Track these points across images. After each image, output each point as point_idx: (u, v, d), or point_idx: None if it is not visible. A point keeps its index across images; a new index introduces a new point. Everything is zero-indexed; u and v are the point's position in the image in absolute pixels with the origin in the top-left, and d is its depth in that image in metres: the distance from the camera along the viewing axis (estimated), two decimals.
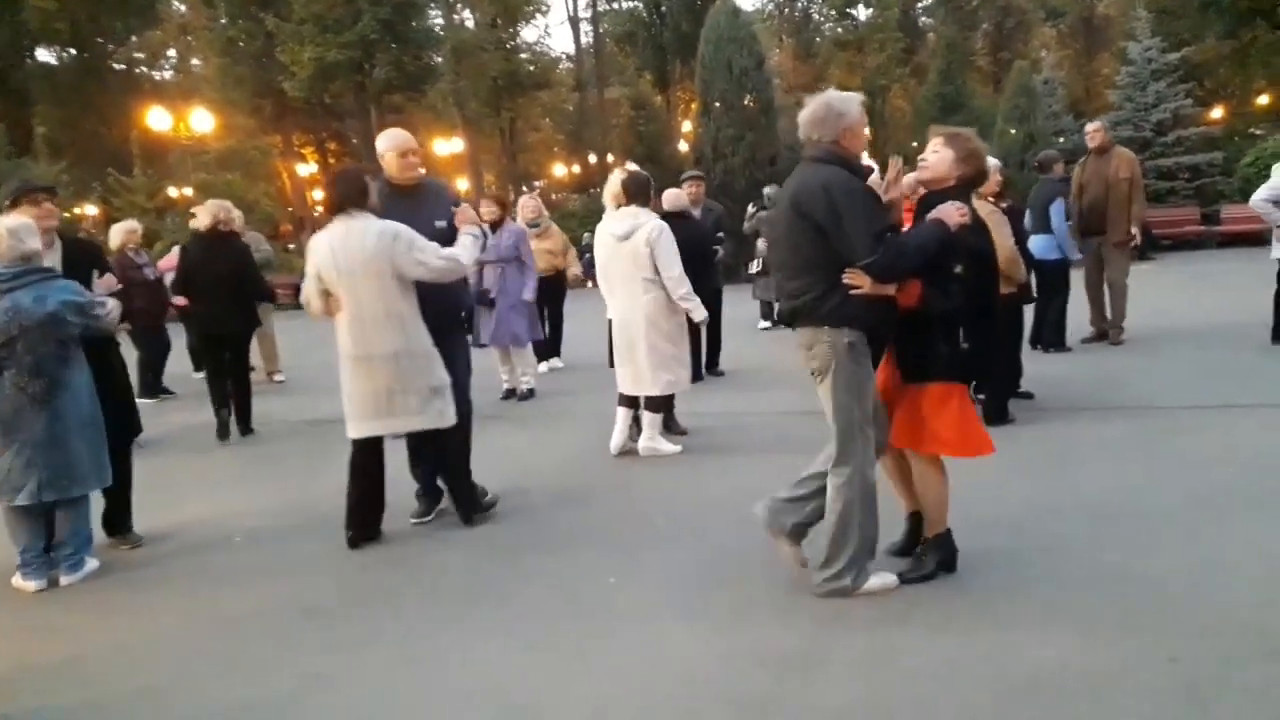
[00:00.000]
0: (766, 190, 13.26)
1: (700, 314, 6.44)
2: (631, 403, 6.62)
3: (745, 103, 21.48)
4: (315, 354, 11.41)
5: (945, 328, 3.75)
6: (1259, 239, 16.57)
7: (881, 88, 40.13)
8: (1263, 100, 29.35)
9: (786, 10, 46.33)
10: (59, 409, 4.73)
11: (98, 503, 5.30)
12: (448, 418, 5.04)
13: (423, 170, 5.26)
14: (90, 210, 32.84)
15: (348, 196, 4.82)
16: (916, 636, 3.49)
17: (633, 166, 7.34)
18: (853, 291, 3.64)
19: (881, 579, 3.89)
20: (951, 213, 3.66)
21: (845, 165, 3.73)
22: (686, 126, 29.50)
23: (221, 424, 8.23)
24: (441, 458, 5.29)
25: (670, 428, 6.94)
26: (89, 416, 4.85)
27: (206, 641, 4.03)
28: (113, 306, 5.07)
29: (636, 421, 6.69)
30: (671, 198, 8.56)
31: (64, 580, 4.87)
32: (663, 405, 6.60)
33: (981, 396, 6.63)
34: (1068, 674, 3.11)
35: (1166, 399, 6.97)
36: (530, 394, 9.07)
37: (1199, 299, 12.15)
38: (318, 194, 32.22)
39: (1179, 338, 9.37)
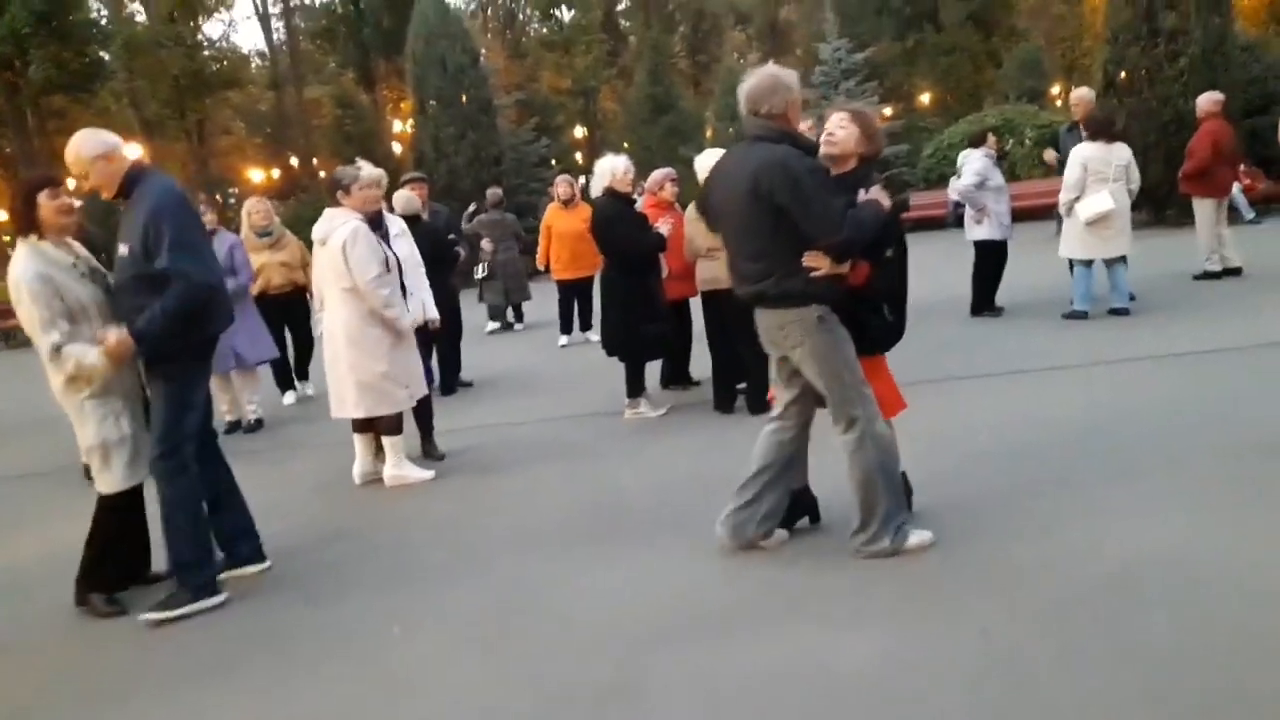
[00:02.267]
0: (492, 191, 12.79)
1: (405, 321, 5.74)
2: (364, 426, 5.93)
3: (463, 101, 20.80)
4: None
5: (875, 305, 3.86)
6: (939, 223, 18.48)
7: (591, 89, 40.74)
8: (925, 99, 32.57)
9: (490, 9, 45.98)
10: None
11: None
12: (100, 483, 4.25)
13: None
14: None
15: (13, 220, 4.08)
16: (742, 645, 3.25)
17: (361, 162, 6.69)
18: (813, 274, 3.65)
19: (919, 536, 3.89)
20: (883, 195, 3.75)
21: (795, 143, 3.69)
22: (399, 126, 28.32)
23: None
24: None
25: (428, 453, 6.35)
26: None
27: None
28: None
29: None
30: (403, 200, 7.96)
31: None
32: (396, 427, 5.85)
33: (742, 387, 6.64)
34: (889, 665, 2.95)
35: (916, 373, 7.25)
36: (259, 424, 8.07)
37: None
38: None
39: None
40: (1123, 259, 8.39)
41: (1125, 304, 8.38)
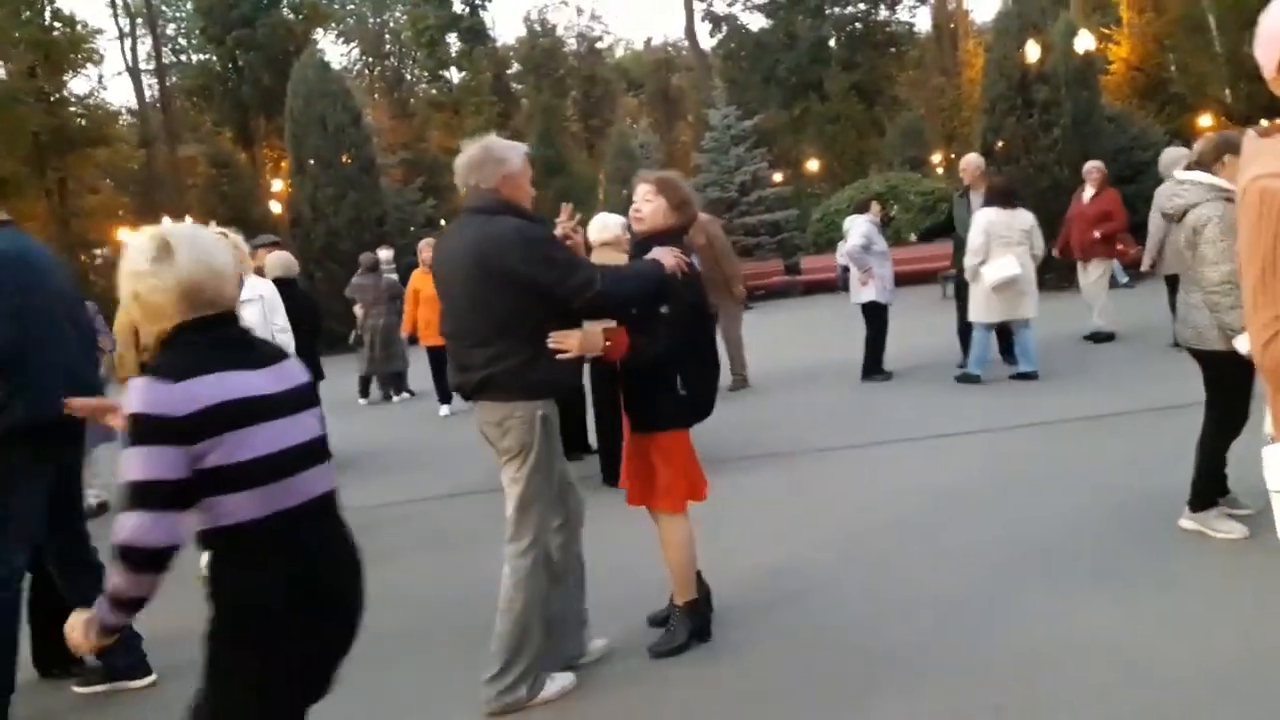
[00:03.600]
0: (366, 255, 12.15)
1: None
2: None
3: (344, 160, 20.13)
4: None
5: (664, 376, 3.51)
6: (832, 286, 18.63)
7: None
8: (813, 165, 33.33)
9: (378, 70, 45.45)
10: None
11: None
12: None
13: None
14: None
15: None
16: None
17: (217, 228, 6.13)
18: (560, 356, 3.25)
19: (559, 683, 3.44)
20: (668, 255, 3.45)
21: (518, 213, 3.28)
22: (278, 185, 27.37)
23: None
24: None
25: None
26: None
27: None
28: None
29: None
30: (282, 264, 7.48)
31: None
32: None
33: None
34: None
35: (799, 443, 6.99)
36: (103, 509, 7.24)
37: (797, 344, 12.93)
38: None
39: (789, 381, 9.71)
40: (1027, 322, 8.34)
41: (1033, 367, 8.30)
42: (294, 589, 2.05)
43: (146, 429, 1.91)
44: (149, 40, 38.00)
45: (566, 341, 3.25)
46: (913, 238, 19.83)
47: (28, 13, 30.73)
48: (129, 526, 1.89)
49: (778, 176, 25.55)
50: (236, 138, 35.78)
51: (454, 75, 43.06)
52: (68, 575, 3.75)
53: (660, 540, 3.67)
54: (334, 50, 45.97)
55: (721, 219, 13.86)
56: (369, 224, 19.91)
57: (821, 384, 9.31)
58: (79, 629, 2.01)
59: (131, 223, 41.04)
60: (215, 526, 1.99)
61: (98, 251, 33.27)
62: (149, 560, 1.90)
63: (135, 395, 1.93)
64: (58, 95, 31.17)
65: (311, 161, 20.15)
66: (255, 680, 2.05)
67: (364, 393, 11.82)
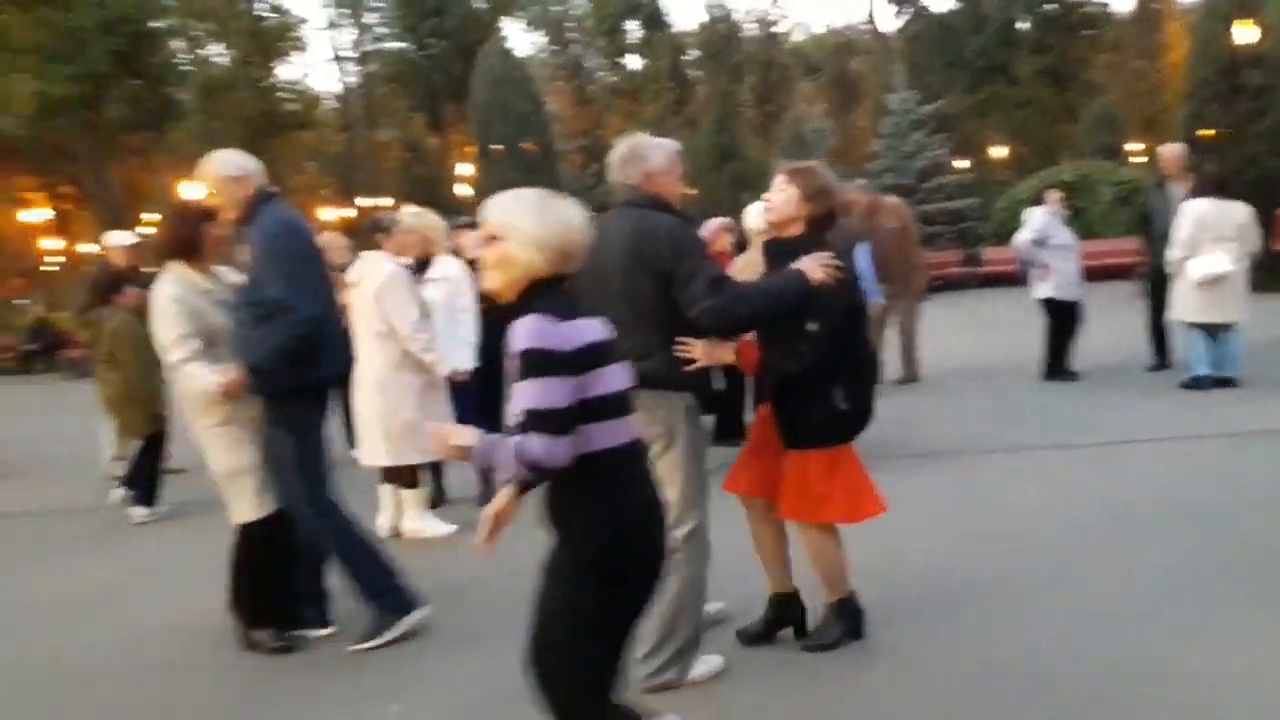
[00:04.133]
0: None
1: (445, 367, 5.58)
2: (391, 476, 5.66)
3: (525, 146, 20.85)
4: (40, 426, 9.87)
5: (818, 389, 3.39)
6: (1016, 279, 17.80)
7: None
8: (1001, 152, 31.94)
9: (558, 57, 46.56)
10: None
11: None
12: (244, 511, 4.04)
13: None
14: None
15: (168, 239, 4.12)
16: None
17: (415, 209, 6.54)
18: (689, 367, 3.30)
19: (708, 665, 3.46)
20: (815, 267, 3.28)
21: (665, 209, 3.35)
22: (463, 169, 28.57)
23: None
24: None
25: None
26: None
27: None
28: None
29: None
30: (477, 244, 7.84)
31: None
32: (412, 480, 5.64)
33: None
34: None
35: (966, 443, 6.81)
36: None
37: (970, 339, 12.52)
38: (47, 243, 28.76)
39: (962, 377, 9.44)
40: (1233, 326, 7.79)
41: (1234, 373, 7.72)
42: (640, 518, 2.29)
43: (542, 362, 2.14)
44: (353, 30, 40.34)
45: (693, 349, 3.28)
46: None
47: (244, 4, 33.19)
48: (538, 447, 2.13)
49: (959, 163, 24.68)
50: (428, 123, 37.51)
51: (633, 62, 43.66)
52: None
53: (806, 546, 3.58)
54: (521, 39, 47.44)
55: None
56: None
57: (997, 382, 9.00)
58: (454, 435, 2.30)
59: (332, 202, 43.84)
60: (580, 454, 2.20)
61: None
62: (547, 475, 2.21)
63: (526, 333, 2.16)
64: (267, 81, 33.54)
65: (495, 147, 20.96)
66: (597, 611, 2.24)
67: None
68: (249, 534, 4.05)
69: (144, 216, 27.16)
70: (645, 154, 3.42)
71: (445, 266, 6.40)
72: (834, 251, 3.38)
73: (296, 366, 3.87)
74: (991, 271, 19.31)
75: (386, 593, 4.08)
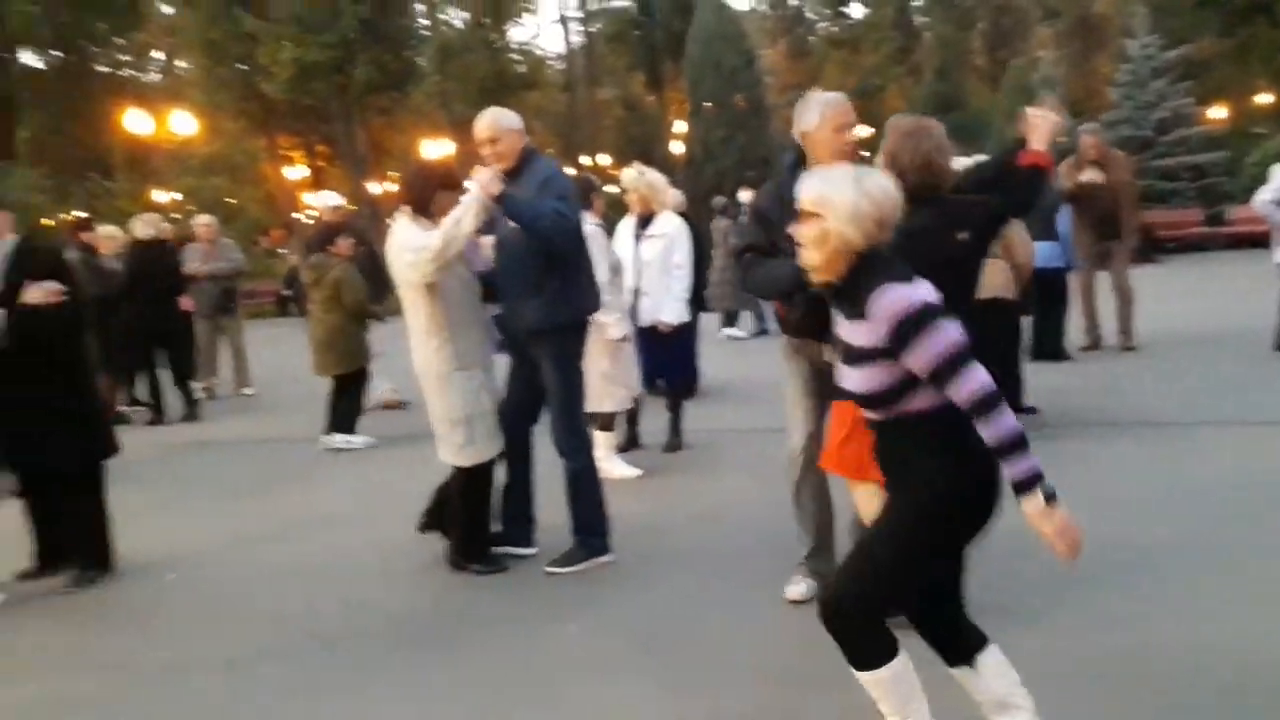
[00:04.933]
0: (742, 195, 12.65)
1: (617, 331, 5.90)
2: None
3: (736, 102, 20.97)
4: (287, 368, 11.00)
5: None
6: (1266, 240, 16.26)
7: (877, 88, 39.67)
8: (1264, 99, 28.90)
9: (778, 9, 45.89)
10: None
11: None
12: (463, 455, 4.45)
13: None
14: (78, 215, 32.28)
15: (401, 194, 4.57)
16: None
17: (637, 168, 6.99)
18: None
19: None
20: None
21: (799, 165, 3.52)
22: (680, 127, 29.01)
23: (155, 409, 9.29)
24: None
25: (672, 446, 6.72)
26: None
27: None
28: None
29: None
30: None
31: None
32: (608, 424, 6.13)
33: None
34: None
35: (1176, 414, 6.53)
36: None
37: (1203, 303, 11.72)
38: (307, 197, 31.64)
39: (1185, 345, 8.94)
40: None
41: None
42: (981, 469, 2.36)
43: (938, 312, 2.29)
44: None
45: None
46: None
47: None
48: (978, 379, 2.24)
49: (1212, 113, 22.64)
50: (647, 81, 38.15)
51: (855, 11, 42.48)
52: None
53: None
54: None
55: (1132, 160, 12.78)
56: (754, 164, 20.63)
57: (1224, 350, 8.42)
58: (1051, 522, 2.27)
59: (556, 161, 45.49)
60: (935, 406, 2.34)
61: None
62: (999, 398, 2.26)
63: (912, 294, 2.29)
64: (499, 43, 35.10)
65: (706, 103, 21.21)
66: (915, 554, 2.39)
67: (727, 324, 12.55)
68: (464, 474, 4.48)
69: (387, 173, 29.41)
70: (800, 113, 3.55)
71: (665, 223, 6.75)
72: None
73: (569, 300, 4.33)
74: (1238, 232, 17.73)
75: (598, 533, 4.52)
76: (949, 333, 2.26)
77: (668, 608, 4.04)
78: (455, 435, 4.40)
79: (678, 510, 5.40)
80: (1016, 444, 2.22)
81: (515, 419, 4.61)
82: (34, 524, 4.86)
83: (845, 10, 42.92)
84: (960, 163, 6.03)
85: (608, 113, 36.51)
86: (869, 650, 2.42)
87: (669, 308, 6.70)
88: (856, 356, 2.38)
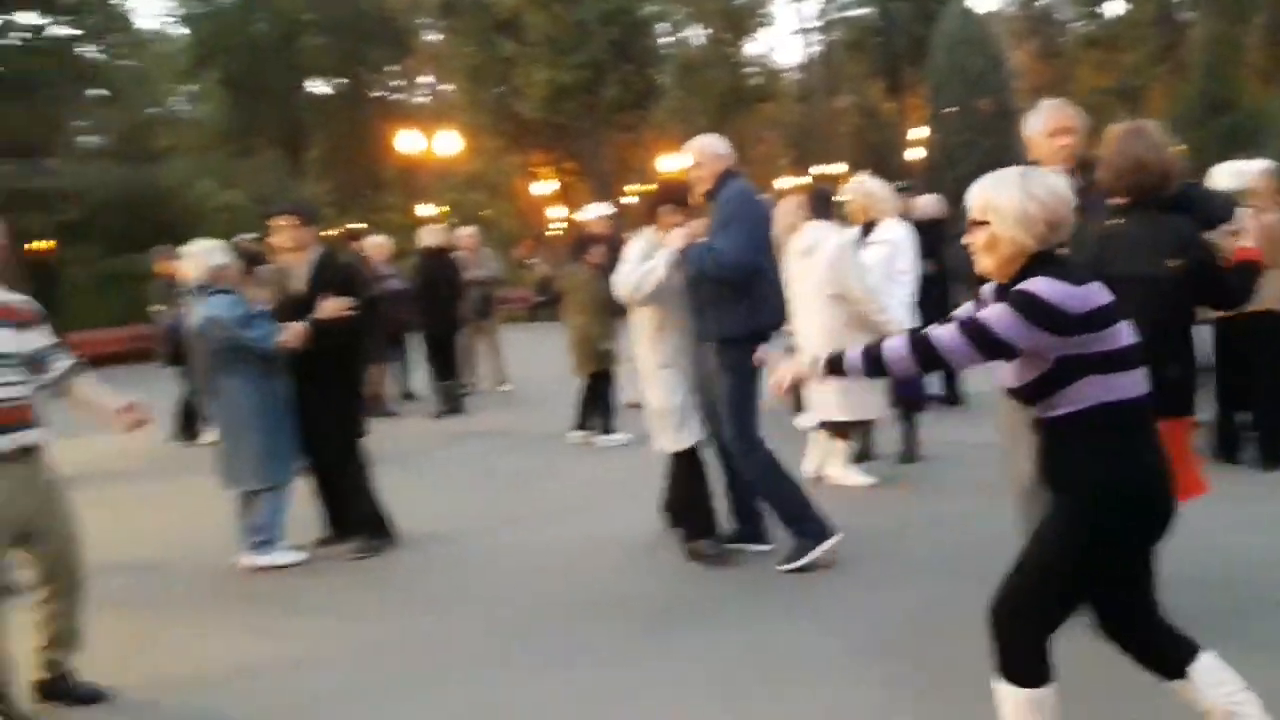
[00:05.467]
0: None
1: (896, 326, 5.89)
2: (827, 426, 6.26)
3: (980, 106, 20.36)
4: (539, 367, 11.83)
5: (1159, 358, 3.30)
6: None
7: (1137, 89, 36.98)
8: None
9: (1025, 9, 43.66)
10: (218, 412, 5.22)
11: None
12: (676, 441, 4.95)
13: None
14: (351, 226, 35.68)
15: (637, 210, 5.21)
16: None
17: (857, 179, 7.07)
18: None
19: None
20: None
21: None
22: (917, 134, 28.40)
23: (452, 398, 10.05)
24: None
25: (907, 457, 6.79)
26: (245, 422, 5.12)
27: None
28: (275, 329, 5.12)
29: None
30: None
31: (244, 561, 5.26)
32: (843, 432, 6.22)
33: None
34: None
35: None
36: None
37: None
38: (553, 211, 33.47)
39: None
40: None
41: None
42: (1147, 477, 2.34)
43: (1037, 309, 2.26)
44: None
45: None
46: None
47: None
48: (948, 338, 2.37)
49: None
50: (886, 88, 37.50)
51: (1112, 9, 39.81)
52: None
53: None
54: None
55: None
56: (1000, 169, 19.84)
57: None
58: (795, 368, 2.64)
59: (788, 172, 45.47)
60: (1102, 402, 2.32)
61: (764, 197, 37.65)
62: (930, 361, 2.45)
63: (1044, 285, 2.28)
64: (737, 58, 35.71)
65: (949, 109, 20.72)
66: (1077, 563, 2.36)
67: None
68: (678, 459, 4.96)
69: (626, 188, 30.62)
70: (1028, 120, 3.57)
71: (889, 230, 6.75)
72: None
73: (741, 316, 4.63)
74: None
75: (803, 520, 4.73)
76: (1011, 323, 2.27)
77: (890, 611, 4.13)
78: (667, 423, 4.87)
79: (915, 519, 5.47)
80: (874, 364, 2.47)
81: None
82: (319, 499, 5.63)
83: (1099, 10, 40.26)
84: (1231, 169, 5.74)
85: (844, 121, 36.17)
86: (1018, 663, 2.37)
87: (893, 314, 6.73)
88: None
